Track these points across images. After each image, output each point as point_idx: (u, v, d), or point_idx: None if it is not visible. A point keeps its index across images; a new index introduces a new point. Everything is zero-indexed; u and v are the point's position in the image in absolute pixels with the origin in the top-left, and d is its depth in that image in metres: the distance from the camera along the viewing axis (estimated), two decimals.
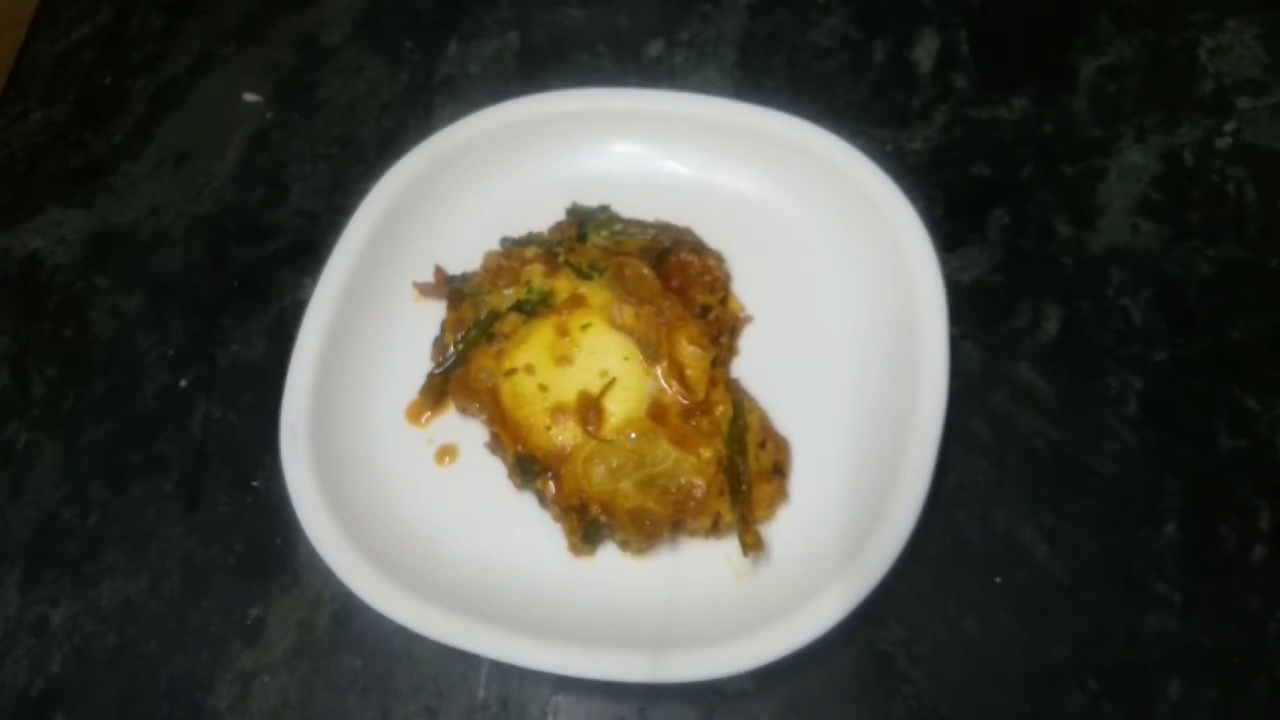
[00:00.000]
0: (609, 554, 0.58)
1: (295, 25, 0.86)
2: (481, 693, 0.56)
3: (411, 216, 0.67)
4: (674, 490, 0.56)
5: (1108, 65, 0.73)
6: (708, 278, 0.63)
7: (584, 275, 0.62)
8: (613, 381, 0.58)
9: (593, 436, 0.57)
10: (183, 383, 0.68)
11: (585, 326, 0.60)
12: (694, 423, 0.57)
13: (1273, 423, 0.58)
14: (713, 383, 0.58)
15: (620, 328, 0.60)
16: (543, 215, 0.67)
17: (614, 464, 0.56)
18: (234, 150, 0.79)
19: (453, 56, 0.82)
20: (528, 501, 0.59)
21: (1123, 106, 0.71)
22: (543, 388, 0.59)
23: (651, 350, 0.59)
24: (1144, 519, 0.56)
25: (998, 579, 0.56)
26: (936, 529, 0.57)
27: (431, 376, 0.63)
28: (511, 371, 0.60)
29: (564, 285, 0.62)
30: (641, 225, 0.66)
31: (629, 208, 0.67)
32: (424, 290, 0.67)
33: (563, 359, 0.59)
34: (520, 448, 0.58)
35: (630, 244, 0.64)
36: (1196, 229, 0.65)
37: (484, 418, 0.61)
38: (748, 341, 0.63)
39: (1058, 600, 0.55)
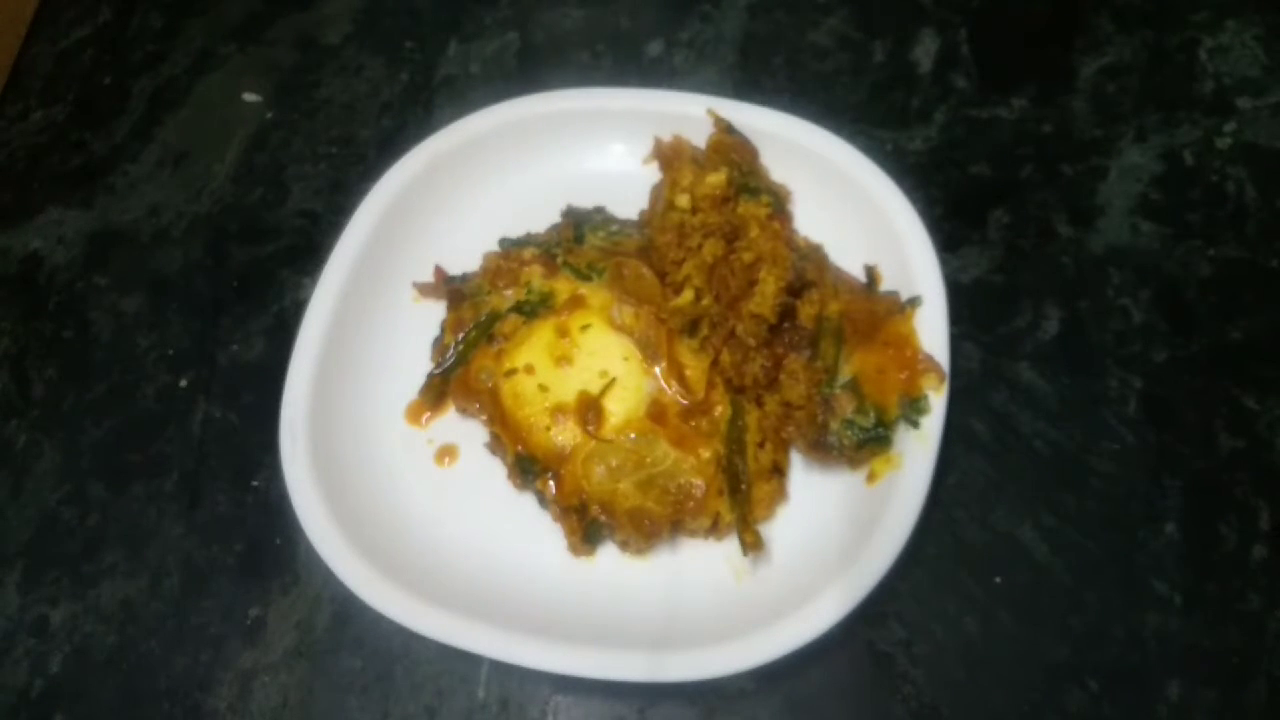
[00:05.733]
0: (609, 554, 0.58)
1: (295, 25, 0.86)
2: (481, 693, 0.56)
3: (411, 216, 0.67)
4: (673, 490, 0.56)
5: (1108, 65, 0.73)
6: None
7: (583, 276, 0.62)
8: (612, 382, 0.58)
9: (592, 437, 0.57)
10: (183, 383, 0.68)
11: (585, 327, 0.60)
12: (693, 423, 0.57)
13: (1273, 423, 0.58)
14: (711, 383, 0.58)
15: (620, 328, 0.60)
16: (544, 215, 0.67)
17: (613, 464, 0.56)
18: (234, 150, 0.79)
19: (453, 56, 0.82)
20: (528, 501, 0.59)
21: (1123, 106, 0.71)
22: (543, 388, 0.59)
23: (651, 350, 0.59)
24: (1144, 519, 0.56)
25: (998, 579, 0.56)
26: (936, 529, 0.57)
27: (431, 377, 0.63)
28: (511, 372, 0.60)
29: (563, 286, 0.62)
30: (638, 226, 0.66)
31: (630, 208, 0.67)
32: (424, 290, 0.67)
33: (562, 359, 0.59)
34: (520, 448, 0.58)
35: (628, 244, 0.64)
36: (1196, 229, 0.65)
37: (484, 418, 0.61)
38: None
39: (1058, 600, 0.55)
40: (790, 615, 0.51)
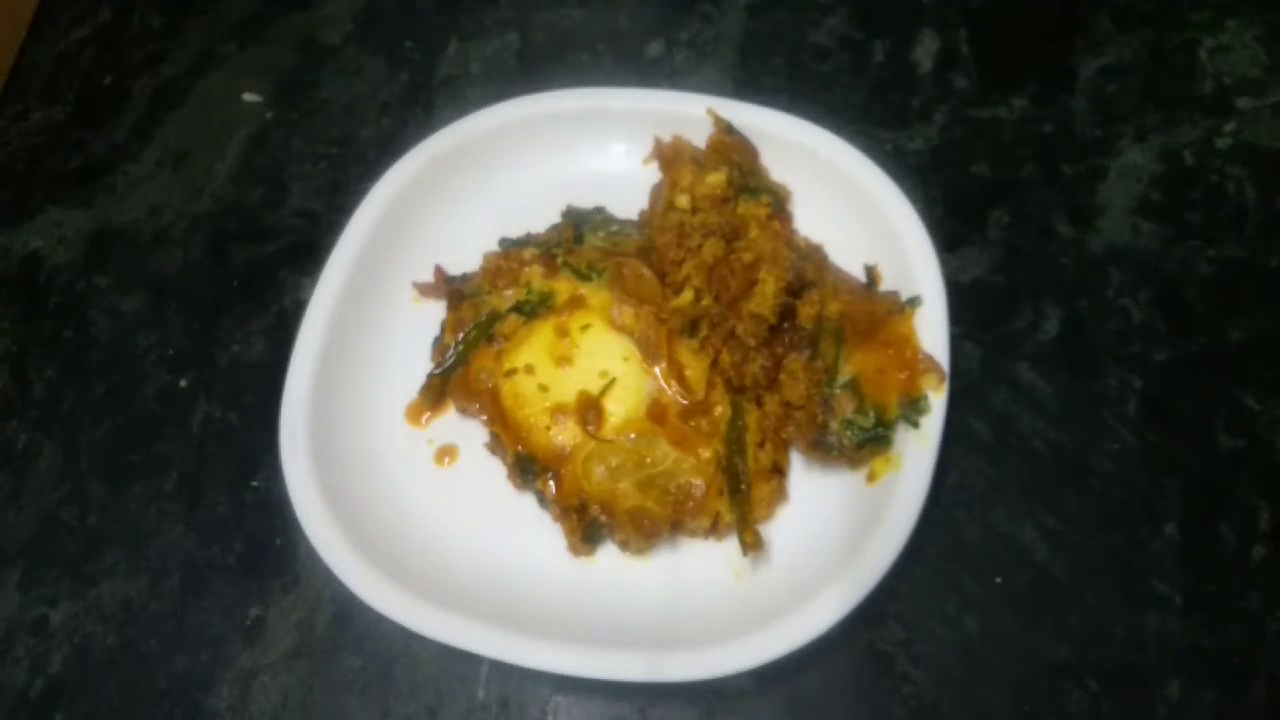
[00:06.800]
0: (609, 554, 0.58)
1: (295, 25, 0.86)
2: (481, 693, 0.56)
3: (411, 216, 0.68)
4: (673, 490, 0.56)
5: (1108, 65, 0.73)
6: None
7: (583, 276, 0.62)
8: (612, 382, 0.58)
9: (592, 437, 0.57)
10: (183, 383, 0.68)
11: (585, 327, 0.60)
12: (693, 423, 0.57)
13: (1273, 423, 0.58)
14: (711, 383, 0.58)
15: (620, 328, 0.60)
16: (544, 215, 0.67)
17: (613, 464, 0.56)
18: (234, 150, 0.79)
19: (453, 56, 0.82)
20: (528, 501, 0.59)
21: (1123, 106, 0.71)
22: (543, 388, 0.59)
23: (651, 350, 0.59)
24: (1144, 519, 0.56)
25: (998, 579, 0.56)
26: (936, 529, 0.57)
27: (431, 377, 0.63)
28: (511, 372, 0.60)
29: (563, 286, 0.62)
30: (638, 226, 0.66)
31: (630, 208, 0.67)
32: (424, 290, 0.67)
33: (562, 359, 0.59)
34: (520, 448, 0.58)
35: (628, 244, 0.64)
36: (1196, 229, 0.65)
37: (484, 418, 0.61)
38: None
39: (1058, 600, 0.55)
40: (790, 615, 0.51)
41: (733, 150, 0.65)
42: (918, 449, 0.55)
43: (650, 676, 0.51)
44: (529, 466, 0.58)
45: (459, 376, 0.62)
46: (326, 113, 0.80)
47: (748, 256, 0.58)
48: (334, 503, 0.57)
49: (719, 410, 0.58)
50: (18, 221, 0.78)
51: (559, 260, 0.63)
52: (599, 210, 0.67)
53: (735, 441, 0.57)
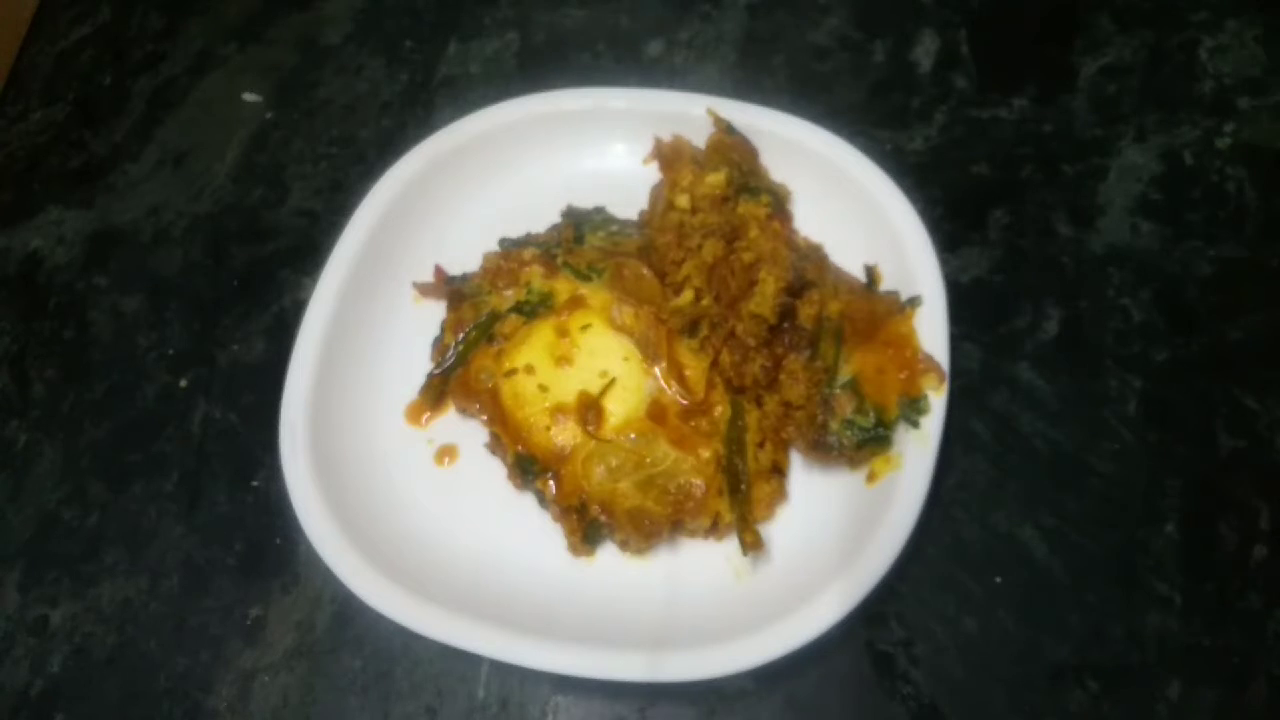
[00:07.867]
0: (609, 554, 0.58)
1: (295, 25, 0.86)
2: (481, 693, 0.56)
3: (411, 216, 0.68)
4: (673, 490, 0.56)
5: (1108, 65, 0.73)
6: None
7: (583, 276, 0.62)
8: (612, 382, 0.58)
9: (592, 437, 0.57)
10: (183, 383, 0.68)
11: (585, 327, 0.60)
12: (693, 423, 0.57)
13: (1273, 423, 0.58)
14: (711, 383, 0.58)
15: (620, 328, 0.60)
16: (544, 215, 0.67)
17: (613, 464, 0.56)
18: (234, 150, 0.79)
19: (453, 56, 0.82)
20: (528, 501, 0.59)
21: (1123, 106, 0.71)
22: (543, 388, 0.59)
23: (651, 350, 0.59)
24: (1144, 519, 0.56)
25: (998, 579, 0.56)
26: (936, 529, 0.57)
27: (431, 377, 0.63)
28: (511, 372, 0.60)
29: (563, 286, 0.62)
30: (638, 226, 0.66)
31: (630, 208, 0.67)
32: (424, 290, 0.67)
33: (562, 359, 0.59)
34: (520, 448, 0.58)
35: (628, 244, 0.64)
36: (1196, 229, 0.65)
37: (484, 418, 0.61)
38: None
39: (1058, 600, 0.55)
40: (790, 615, 0.51)
41: (733, 150, 0.65)
42: (918, 449, 0.55)
43: (650, 676, 0.51)
44: (529, 466, 0.58)
45: (459, 376, 0.62)
46: (326, 113, 0.80)
47: (748, 256, 0.58)
48: (334, 503, 0.57)
49: (719, 410, 0.58)
50: (18, 221, 0.78)
51: (559, 260, 0.63)
52: (599, 210, 0.67)
53: (735, 441, 0.57)
